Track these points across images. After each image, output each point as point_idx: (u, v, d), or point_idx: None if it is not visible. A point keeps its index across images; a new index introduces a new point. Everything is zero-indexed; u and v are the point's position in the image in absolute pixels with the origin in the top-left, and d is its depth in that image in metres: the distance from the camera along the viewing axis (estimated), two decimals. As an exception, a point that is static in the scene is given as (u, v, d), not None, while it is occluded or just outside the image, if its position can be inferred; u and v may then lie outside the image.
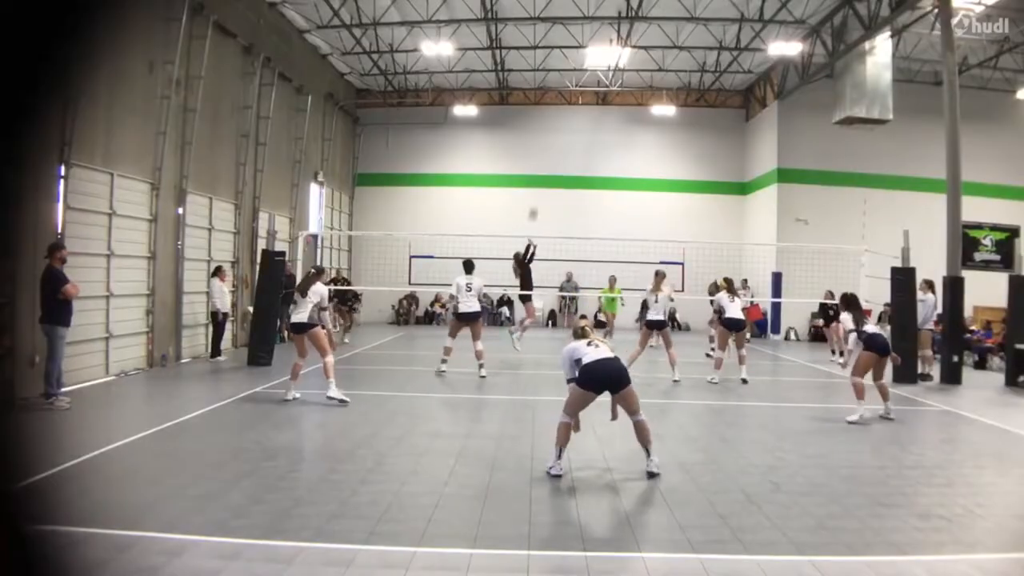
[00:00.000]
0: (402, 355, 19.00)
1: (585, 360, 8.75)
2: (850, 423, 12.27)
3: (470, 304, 16.67)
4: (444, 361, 16.69)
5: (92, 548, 6.00)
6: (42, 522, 5.92)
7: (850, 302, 13.26)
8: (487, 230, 27.25)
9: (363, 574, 5.76)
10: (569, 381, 8.96)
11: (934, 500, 8.03)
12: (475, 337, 16.70)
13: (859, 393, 12.66)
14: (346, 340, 20.91)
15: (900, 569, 6.11)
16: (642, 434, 8.82)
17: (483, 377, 16.22)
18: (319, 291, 13.09)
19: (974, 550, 6.60)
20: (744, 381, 16.33)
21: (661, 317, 16.82)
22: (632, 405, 8.83)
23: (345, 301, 23.42)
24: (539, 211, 24.49)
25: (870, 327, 13.05)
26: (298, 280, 22.57)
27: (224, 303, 18.85)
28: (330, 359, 12.95)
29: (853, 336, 12.86)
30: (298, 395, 13.10)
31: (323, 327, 13.17)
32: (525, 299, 19.95)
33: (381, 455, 9.42)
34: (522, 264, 19.51)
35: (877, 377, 12.91)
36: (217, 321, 18.87)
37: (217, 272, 18.96)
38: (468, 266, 17.13)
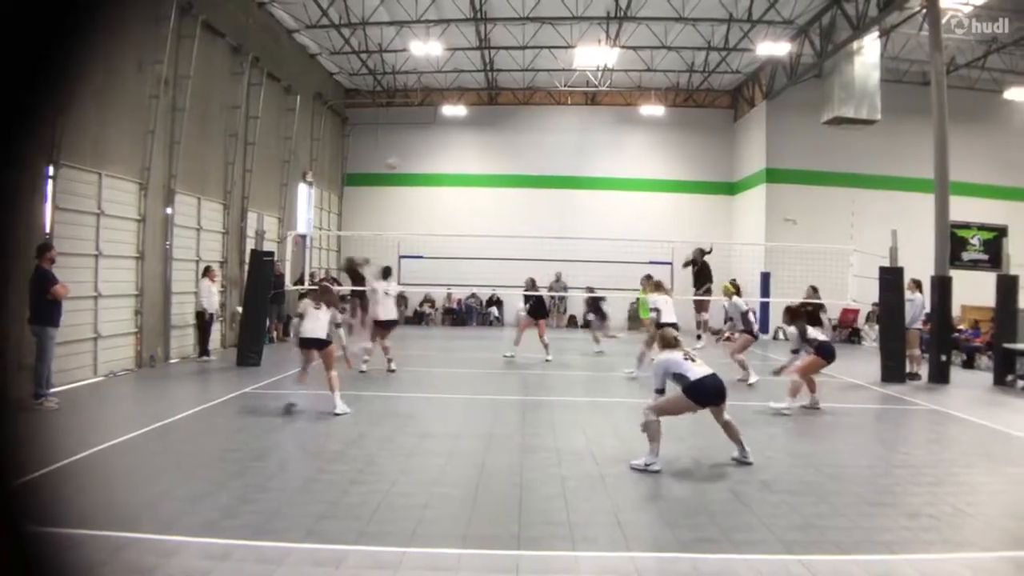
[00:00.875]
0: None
1: (692, 377, 9.14)
2: (776, 410, 12.96)
3: (389, 311, 16.96)
4: (366, 361, 16.60)
5: (87, 550, 5.99)
6: (33, 523, 5.90)
7: (795, 314, 13.44)
8: (476, 230, 27.30)
9: (353, 574, 5.76)
10: (658, 391, 9.41)
11: (923, 499, 8.07)
12: (383, 337, 17.01)
13: (794, 392, 13.08)
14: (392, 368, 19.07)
15: (889, 568, 6.14)
16: (731, 432, 9.52)
17: (363, 371, 16.31)
18: (336, 309, 12.80)
19: (963, 549, 6.63)
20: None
21: (674, 319, 16.72)
22: (722, 415, 9.46)
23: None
24: (397, 163, 23.50)
25: (819, 335, 13.37)
26: (288, 281, 22.59)
27: (212, 303, 18.68)
28: (335, 373, 12.37)
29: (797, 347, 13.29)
30: (350, 409, 12.15)
31: (341, 346, 13.00)
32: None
33: (371, 455, 9.41)
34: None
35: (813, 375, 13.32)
36: (204, 321, 18.73)
37: (207, 272, 18.81)
38: (386, 272, 17.42)
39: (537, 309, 20.12)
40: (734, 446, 9.51)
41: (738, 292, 17.84)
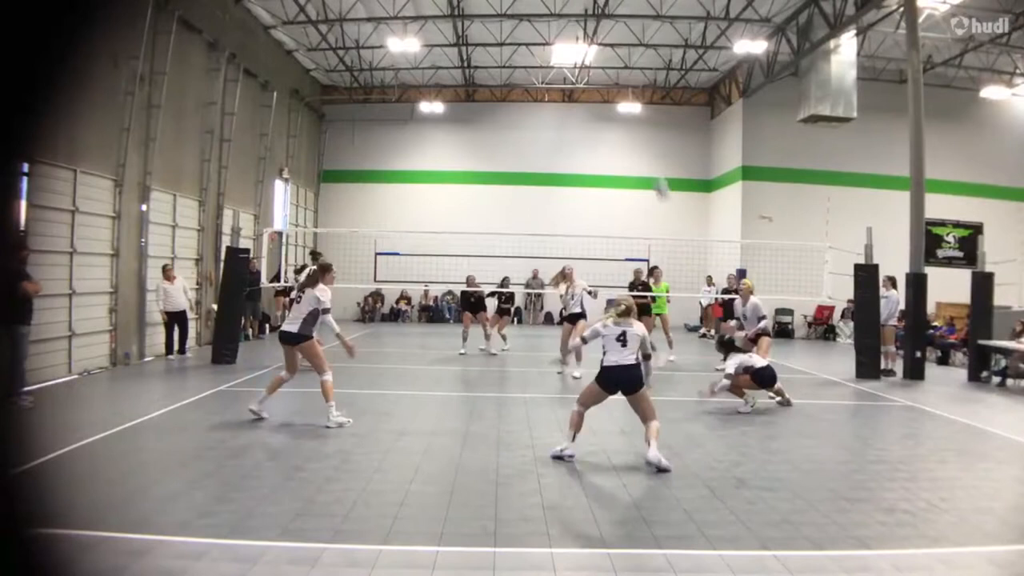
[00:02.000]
0: (367, 352, 18.92)
1: (604, 362, 9.25)
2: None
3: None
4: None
5: (56, 549, 5.93)
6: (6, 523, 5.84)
7: (727, 346, 13.26)
8: (453, 227, 27.28)
9: (329, 572, 5.74)
10: (583, 340, 9.96)
11: (898, 495, 8.11)
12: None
13: (739, 392, 12.98)
14: None
15: (864, 563, 6.17)
16: (647, 428, 9.19)
17: None
18: (318, 293, 11.19)
19: (938, 544, 6.67)
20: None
21: (579, 310, 16.80)
22: (638, 406, 9.27)
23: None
24: (665, 189, 22.44)
25: (758, 360, 13.12)
26: (264, 279, 22.46)
27: (178, 302, 18.04)
28: (328, 377, 11.14)
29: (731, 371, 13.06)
30: (267, 415, 11.19)
31: (336, 334, 11.39)
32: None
33: (346, 453, 9.38)
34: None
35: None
36: (171, 322, 18.16)
37: (164, 272, 18.13)
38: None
39: (473, 305, 20.79)
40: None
41: (564, 278, 16.98)
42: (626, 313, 9.30)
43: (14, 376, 11.78)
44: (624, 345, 9.14)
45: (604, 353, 9.27)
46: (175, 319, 18.17)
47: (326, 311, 11.20)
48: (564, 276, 16.96)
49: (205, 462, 8.82)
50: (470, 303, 20.92)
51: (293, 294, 12.06)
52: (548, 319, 32.90)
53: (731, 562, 6.07)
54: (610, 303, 10.03)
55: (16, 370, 11.78)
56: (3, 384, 11.64)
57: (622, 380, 9.15)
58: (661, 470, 8.75)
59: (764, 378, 12.96)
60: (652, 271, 20.44)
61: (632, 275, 20.42)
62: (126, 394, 14.21)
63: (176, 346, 18.37)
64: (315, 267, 12.09)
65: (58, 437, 9.50)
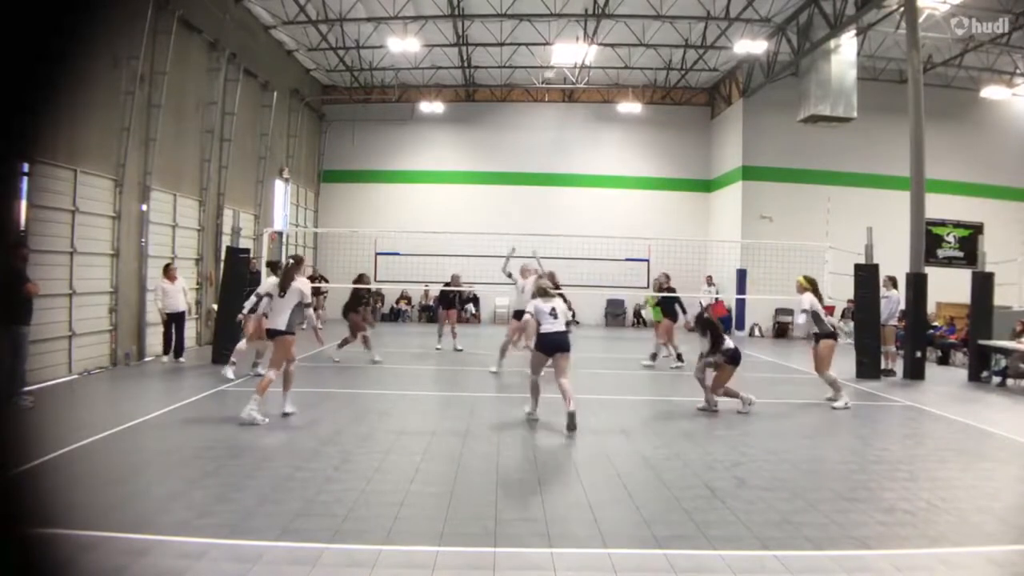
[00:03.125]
0: (367, 352, 18.89)
1: (542, 329, 11.36)
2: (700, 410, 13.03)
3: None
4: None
5: (56, 549, 5.93)
6: (6, 523, 5.84)
7: (705, 325, 13.30)
8: (453, 227, 27.29)
9: (329, 572, 5.73)
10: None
11: (898, 495, 8.11)
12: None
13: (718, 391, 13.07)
14: (376, 359, 18.34)
15: (864, 563, 6.17)
16: (563, 393, 11.13)
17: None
18: (301, 286, 11.53)
19: (938, 544, 6.66)
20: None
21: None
22: (561, 373, 11.25)
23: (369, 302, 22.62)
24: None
25: (728, 342, 13.13)
26: (264, 276, 22.39)
27: (177, 303, 17.73)
28: (272, 376, 11.33)
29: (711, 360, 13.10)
30: (266, 420, 11.03)
31: (312, 327, 12.75)
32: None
33: (347, 453, 9.38)
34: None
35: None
36: (168, 322, 17.75)
37: (166, 272, 17.77)
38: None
39: (451, 301, 21.79)
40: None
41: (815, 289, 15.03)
42: (547, 293, 11.61)
43: (15, 376, 11.77)
44: (555, 317, 11.33)
45: (539, 325, 11.33)
46: (174, 320, 17.75)
47: (307, 305, 11.63)
48: (526, 273, 16.96)
49: (205, 462, 8.81)
50: (449, 299, 21.59)
51: (264, 291, 12.55)
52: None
53: (731, 562, 6.06)
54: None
55: (17, 370, 11.78)
56: (4, 384, 11.66)
57: (556, 343, 11.26)
58: (571, 425, 10.73)
59: (735, 358, 13.05)
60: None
61: (654, 284, 20.53)
62: (126, 394, 14.19)
63: (172, 348, 17.87)
64: (290, 261, 12.26)
65: (58, 437, 9.48)
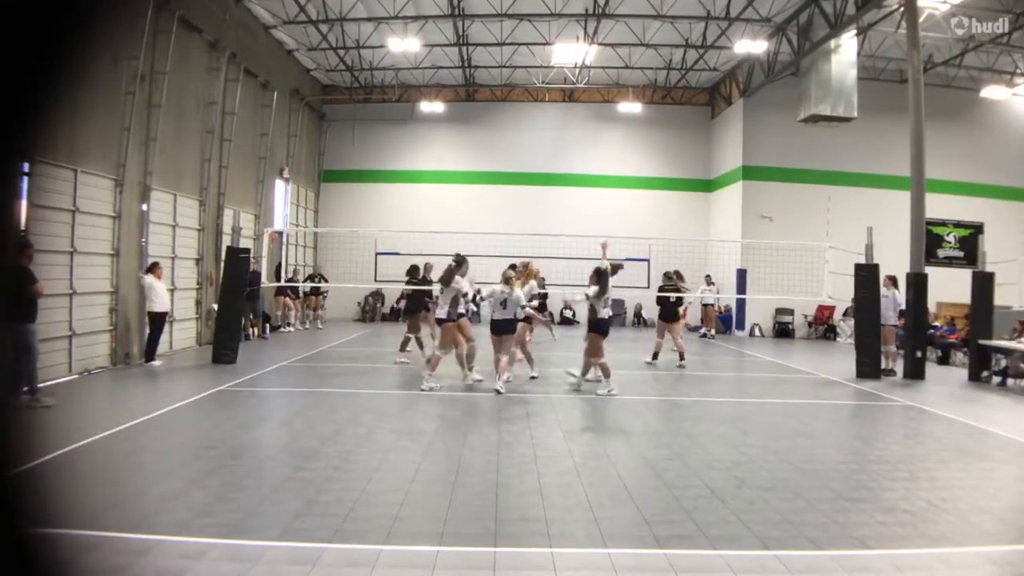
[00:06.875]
0: (368, 352, 18.92)
1: (492, 316, 14.44)
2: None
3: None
4: None
5: (56, 549, 5.92)
6: (6, 523, 5.84)
7: (598, 274, 14.48)
8: (453, 227, 27.27)
9: (329, 572, 5.73)
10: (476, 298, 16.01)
11: (898, 494, 8.11)
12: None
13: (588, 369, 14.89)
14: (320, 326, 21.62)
15: (865, 563, 6.16)
16: (497, 368, 14.28)
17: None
18: (459, 284, 14.50)
19: (938, 544, 6.66)
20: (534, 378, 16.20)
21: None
22: (499, 349, 14.36)
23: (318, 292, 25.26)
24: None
25: (606, 310, 14.63)
26: (264, 278, 22.43)
27: (163, 303, 17.57)
28: (440, 353, 14.53)
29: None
30: (436, 384, 14.28)
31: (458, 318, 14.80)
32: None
33: (347, 452, 9.37)
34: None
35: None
36: (153, 323, 17.45)
37: (152, 269, 17.47)
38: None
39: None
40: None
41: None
42: (509, 282, 14.24)
43: (30, 374, 11.78)
44: (504, 307, 14.14)
45: (491, 312, 14.36)
46: (155, 321, 17.40)
47: (464, 296, 15.00)
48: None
49: (205, 462, 8.81)
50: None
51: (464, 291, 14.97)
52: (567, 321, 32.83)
53: (731, 562, 6.06)
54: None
55: (30, 368, 11.79)
56: (13, 382, 11.64)
57: (499, 327, 14.29)
58: (498, 392, 13.67)
59: (601, 329, 14.54)
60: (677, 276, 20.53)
61: (663, 279, 20.65)
62: (126, 394, 14.19)
63: (145, 352, 17.43)
64: (451, 263, 14.59)
65: (58, 437, 9.49)
